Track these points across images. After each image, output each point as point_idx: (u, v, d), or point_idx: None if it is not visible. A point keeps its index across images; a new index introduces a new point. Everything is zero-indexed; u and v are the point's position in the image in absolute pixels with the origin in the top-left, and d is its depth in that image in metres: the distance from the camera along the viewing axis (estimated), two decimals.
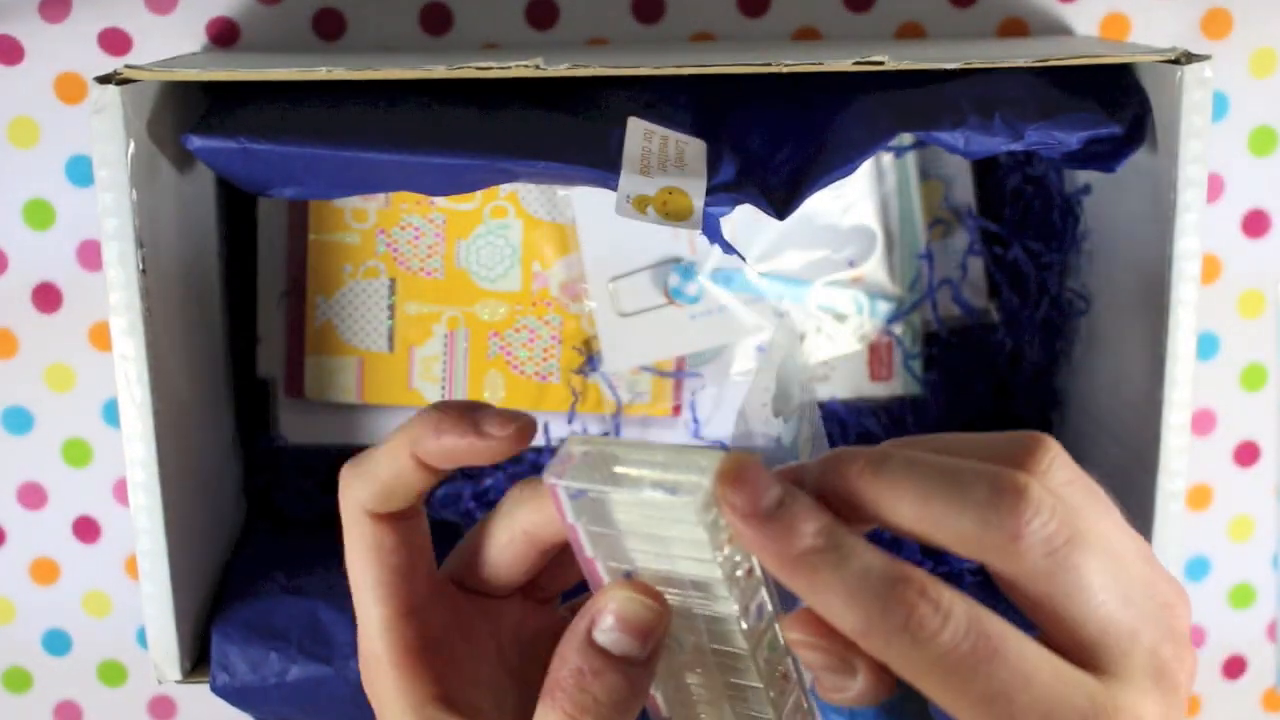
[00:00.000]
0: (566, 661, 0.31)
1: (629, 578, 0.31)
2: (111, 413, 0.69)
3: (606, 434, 0.65)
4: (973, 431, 0.68)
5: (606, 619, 0.31)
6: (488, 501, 0.65)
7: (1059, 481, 0.30)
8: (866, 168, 0.62)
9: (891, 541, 0.56)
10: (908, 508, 0.29)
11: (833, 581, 0.28)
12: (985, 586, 0.35)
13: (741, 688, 0.33)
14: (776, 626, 0.32)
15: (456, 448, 0.33)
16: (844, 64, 0.50)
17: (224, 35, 0.64)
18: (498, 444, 0.33)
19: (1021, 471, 0.29)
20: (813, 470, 0.30)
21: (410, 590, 0.35)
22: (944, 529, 0.29)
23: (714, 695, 0.33)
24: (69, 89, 0.64)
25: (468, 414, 0.33)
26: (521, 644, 0.37)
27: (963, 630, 0.28)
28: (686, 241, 0.62)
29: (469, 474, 0.66)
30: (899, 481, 0.29)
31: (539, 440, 0.64)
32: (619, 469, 0.30)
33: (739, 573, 0.30)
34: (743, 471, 0.29)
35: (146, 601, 0.53)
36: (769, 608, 0.31)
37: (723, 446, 0.65)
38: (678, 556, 0.30)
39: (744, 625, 0.31)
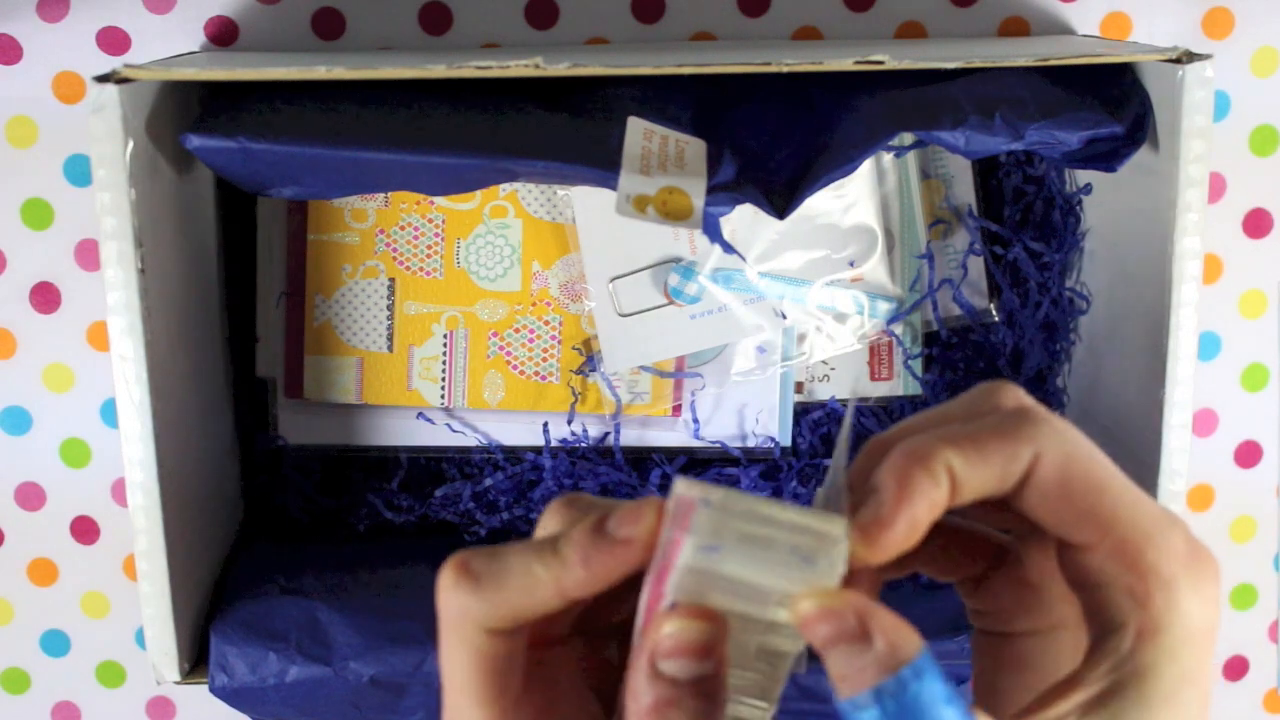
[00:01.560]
0: (639, 696, 0.31)
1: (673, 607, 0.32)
2: (110, 413, 0.69)
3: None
4: None
5: (666, 648, 0.31)
6: (487, 502, 0.65)
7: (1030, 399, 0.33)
8: (867, 167, 0.62)
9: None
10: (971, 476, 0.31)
11: (954, 437, 0.30)
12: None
13: (750, 704, 0.33)
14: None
15: (603, 571, 0.32)
16: (844, 64, 0.50)
17: (223, 35, 0.64)
18: (642, 545, 0.32)
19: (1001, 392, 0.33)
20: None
21: (516, 685, 0.34)
22: (990, 466, 0.31)
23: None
24: (67, 88, 0.64)
25: (596, 532, 0.32)
26: (596, 690, 0.36)
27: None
28: (686, 241, 0.62)
29: (468, 474, 0.66)
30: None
31: (538, 440, 0.64)
32: (748, 527, 0.30)
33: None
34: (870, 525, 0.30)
35: (145, 602, 0.53)
36: None
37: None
38: (771, 603, 0.31)
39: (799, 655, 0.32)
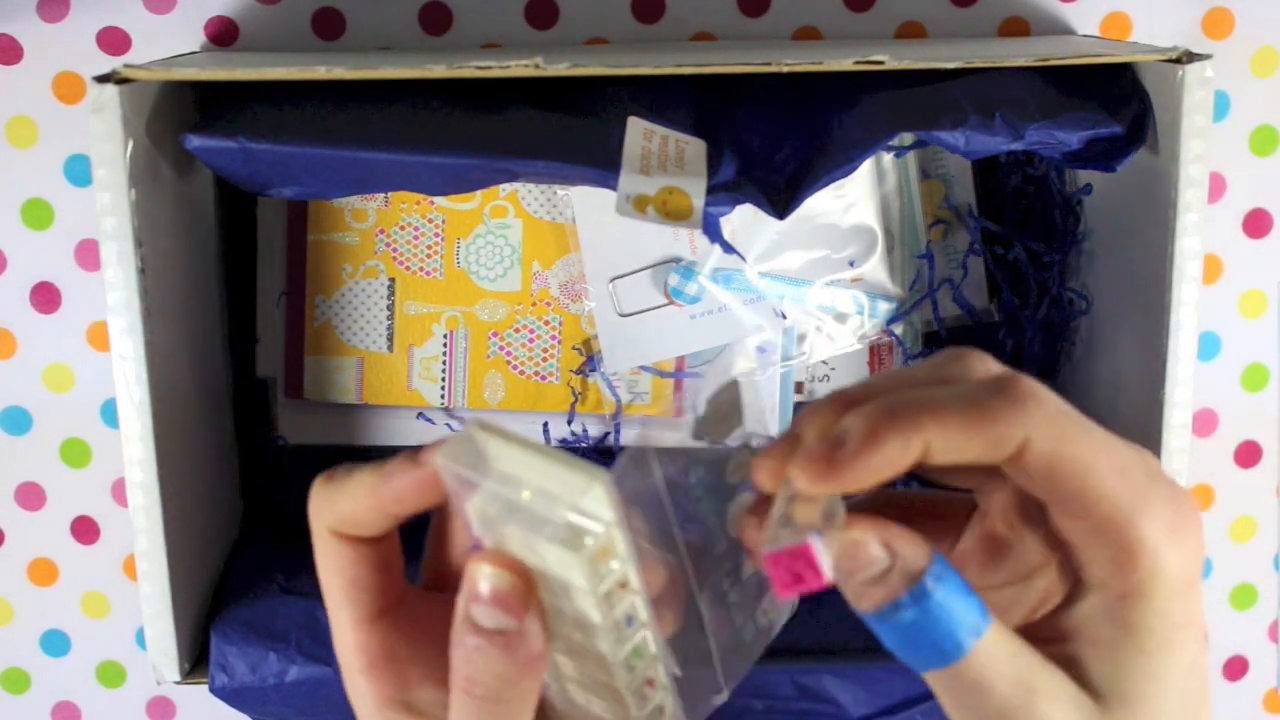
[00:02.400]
0: (453, 641, 0.32)
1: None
2: (110, 413, 0.69)
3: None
4: None
5: (477, 593, 0.32)
6: None
7: (1000, 367, 0.33)
8: (867, 167, 0.62)
9: None
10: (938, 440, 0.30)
11: (937, 408, 0.30)
12: None
13: (604, 684, 0.33)
14: (647, 634, 0.32)
15: (402, 488, 0.34)
16: (844, 64, 0.50)
17: (223, 35, 0.64)
18: (435, 469, 0.33)
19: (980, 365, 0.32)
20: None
21: (373, 599, 0.36)
22: (972, 446, 0.30)
23: (583, 680, 0.34)
24: (67, 88, 0.64)
25: (413, 454, 0.34)
26: None
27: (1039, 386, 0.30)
28: (686, 241, 0.62)
29: None
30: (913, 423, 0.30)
31: (538, 440, 0.64)
32: (503, 466, 0.31)
33: (608, 587, 0.31)
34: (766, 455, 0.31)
35: (145, 602, 0.53)
36: (641, 617, 0.31)
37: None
38: (549, 559, 0.31)
39: (608, 636, 0.31)
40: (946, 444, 0.30)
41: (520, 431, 0.31)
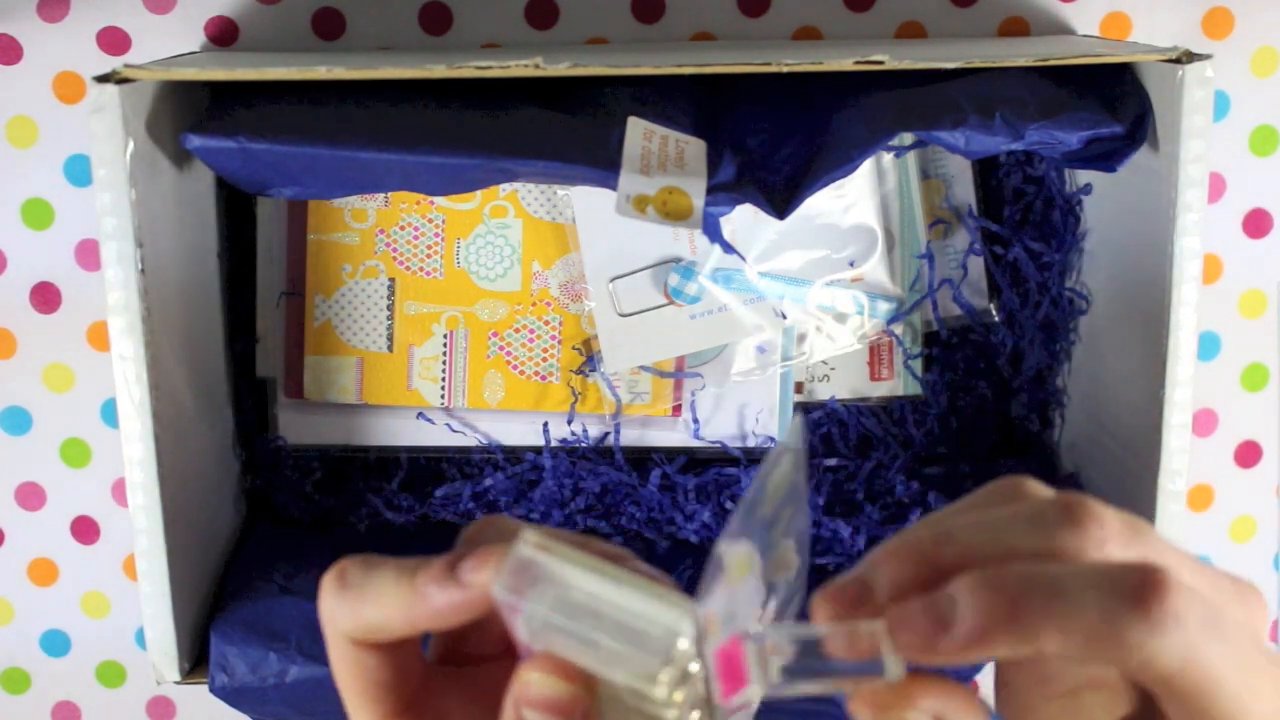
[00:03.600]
0: None
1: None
2: (110, 413, 0.69)
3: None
4: (973, 443, 0.66)
5: (532, 699, 0.30)
6: (487, 502, 0.65)
7: (1117, 537, 0.29)
8: (867, 167, 0.62)
9: None
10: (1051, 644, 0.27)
11: (1065, 616, 0.26)
12: None
13: None
14: None
15: (441, 608, 0.32)
16: (844, 63, 0.50)
17: (223, 34, 0.64)
18: (480, 591, 0.31)
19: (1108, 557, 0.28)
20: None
21: (395, 699, 0.34)
22: (1091, 659, 0.27)
23: None
24: (68, 88, 0.64)
25: (449, 567, 0.32)
26: None
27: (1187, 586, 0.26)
28: (686, 241, 0.62)
29: (468, 474, 0.66)
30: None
31: (538, 440, 0.64)
32: (571, 589, 0.29)
33: (681, 694, 0.30)
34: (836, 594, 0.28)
35: (145, 602, 0.53)
36: (702, 709, 0.31)
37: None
38: (619, 683, 0.30)
39: None
40: (1061, 652, 0.26)
41: (570, 545, 0.29)
